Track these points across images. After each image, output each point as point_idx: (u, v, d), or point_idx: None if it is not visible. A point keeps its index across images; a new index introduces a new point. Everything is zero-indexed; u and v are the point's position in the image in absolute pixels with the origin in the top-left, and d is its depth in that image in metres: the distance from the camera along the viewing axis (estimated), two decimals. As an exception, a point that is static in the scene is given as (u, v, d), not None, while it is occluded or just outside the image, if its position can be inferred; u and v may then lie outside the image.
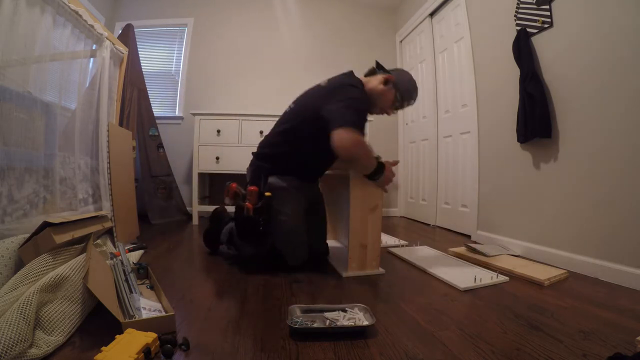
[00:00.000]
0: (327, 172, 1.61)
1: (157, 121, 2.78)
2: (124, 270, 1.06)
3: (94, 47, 1.66)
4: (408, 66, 3.27)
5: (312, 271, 1.38)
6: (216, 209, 1.76)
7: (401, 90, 1.44)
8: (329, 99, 1.32)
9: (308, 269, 1.40)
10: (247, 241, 1.41)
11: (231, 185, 1.37)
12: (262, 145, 1.53)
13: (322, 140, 1.27)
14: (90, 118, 1.64)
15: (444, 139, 2.65)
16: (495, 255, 1.61)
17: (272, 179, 1.40)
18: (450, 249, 1.74)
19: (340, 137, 1.21)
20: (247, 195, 1.33)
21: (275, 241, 1.38)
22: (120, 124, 2.16)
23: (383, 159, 1.35)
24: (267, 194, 1.33)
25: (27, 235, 1.02)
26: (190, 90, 3.14)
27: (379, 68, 1.50)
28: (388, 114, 1.51)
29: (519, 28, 1.74)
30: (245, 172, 1.57)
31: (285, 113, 1.51)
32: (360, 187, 1.34)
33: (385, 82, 1.43)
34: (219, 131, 2.59)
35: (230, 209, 1.53)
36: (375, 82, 1.44)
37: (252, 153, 1.55)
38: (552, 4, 1.57)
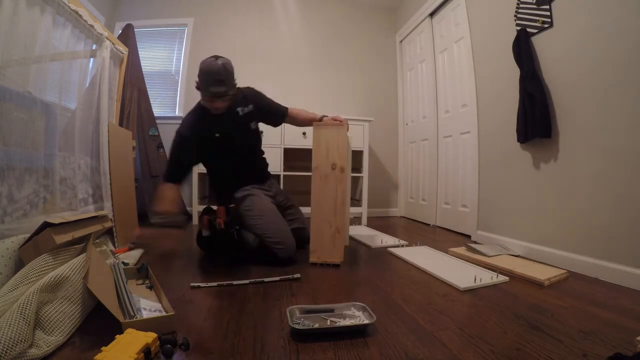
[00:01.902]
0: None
1: (157, 121, 2.78)
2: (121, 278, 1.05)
3: (94, 47, 1.66)
4: (408, 66, 3.28)
5: (312, 271, 1.38)
6: (205, 209, 1.77)
7: (202, 90, 1.45)
8: None
9: (305, 267, 1.41)
10: (226, 254, 1.52)
11: (203, 217, 1.49)
12: (215, 180, 1.74)
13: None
14: (90, 118, 1.64)
15: (444, 139, 2.65)
16: (495, 255, 1.61)
17: (236, 194, 1.59)
18: (450, 249, 1.74)
19: None
20: (217, 215, 1.46)
21: (263, 240, 1.47)
22: (120, 124, 2.16)
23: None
24: (232, 205, 1.48)
25: (27, 236, 1.02)
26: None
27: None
28: (216, 108, 1.51)
29: (519, 28, 1.74)
30: None
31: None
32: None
33: (197, 88, 1.48)
34: (219, 131, 2.59)
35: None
36: None
37: (210, 187, 1.79)
38: (552, 4, 1.57)
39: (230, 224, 1.46)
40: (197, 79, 1.45)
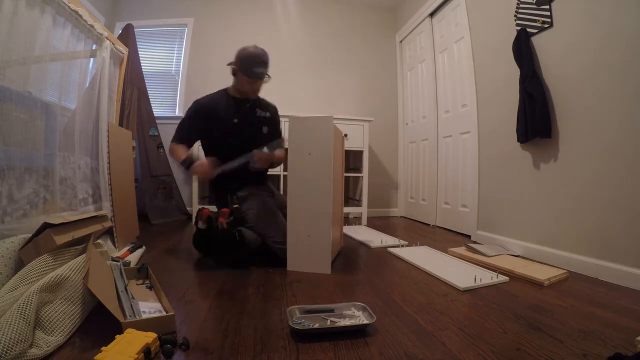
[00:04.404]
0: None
1: (157, 121, 2.78)
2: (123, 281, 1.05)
3: (94, 47, 1.66)
4: (408, 66, 3.28)
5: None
6: (200, 209, 1.76)
7: (244, 71, 1.57)
8: None
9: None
10: (225, 254, 1.48)
11: (204, 211, 1.49)
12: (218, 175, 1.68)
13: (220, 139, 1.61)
14: (90, 118, 1.64)
15: (444, 139, 2.65)
16: (495, 255, 1.61)
17: (239, 192, 1.58)
18: (450, 249, 1.74)
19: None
20: (219, 215, 1.47)
21: (264, 239, 1.49)
22: (120, 124, 2.16)
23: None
24: (235, 206, 1.48)
25: (27, 236, 1.02)
26: (190, 90, 3.13)
27: (229, 64, 1.65)
28: (253, 93, 1.66)
29: (519, 28, 1.74)
30: None
31: None
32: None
33: (233, 73, 1.61)
34: (219, 131, 2.59)
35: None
36: (233, 78, 1.64)
37: (210, 181, 1.75)
38: (552, 4, 1.57)
39: (233, 224, 1.46)
40: (233, 65, 1.57)
